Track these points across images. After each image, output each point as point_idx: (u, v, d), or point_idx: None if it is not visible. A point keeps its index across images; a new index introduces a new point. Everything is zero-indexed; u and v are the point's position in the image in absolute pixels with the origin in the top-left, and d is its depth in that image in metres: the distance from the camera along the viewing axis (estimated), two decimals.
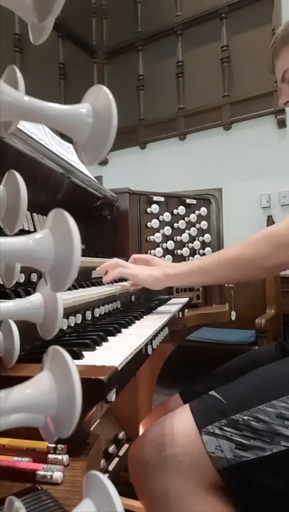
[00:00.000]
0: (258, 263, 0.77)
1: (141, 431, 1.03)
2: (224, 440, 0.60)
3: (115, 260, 0.93)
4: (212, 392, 0.67)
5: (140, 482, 0.68)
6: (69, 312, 0.61)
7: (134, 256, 1.04)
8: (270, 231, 0.77)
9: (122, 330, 0.63)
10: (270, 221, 2.93)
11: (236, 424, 0.60)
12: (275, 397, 0.61)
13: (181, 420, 0.64)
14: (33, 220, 0.88)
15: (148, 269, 0.92)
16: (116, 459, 1.17)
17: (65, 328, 0.59)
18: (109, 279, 0.89)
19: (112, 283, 0.93)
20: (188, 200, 1.37)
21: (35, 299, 0.34)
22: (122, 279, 0.99)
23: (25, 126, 0.82)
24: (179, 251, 1.34)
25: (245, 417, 0.60)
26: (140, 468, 0.67)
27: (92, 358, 0.45)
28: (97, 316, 0.72)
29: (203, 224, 1.40)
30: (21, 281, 0.62)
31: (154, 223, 1.29)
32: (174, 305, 1.03)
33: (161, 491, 0.62)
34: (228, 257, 0.81)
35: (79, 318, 0.63)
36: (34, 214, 0.90)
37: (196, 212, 1.39)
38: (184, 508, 0.60)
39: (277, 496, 0.59)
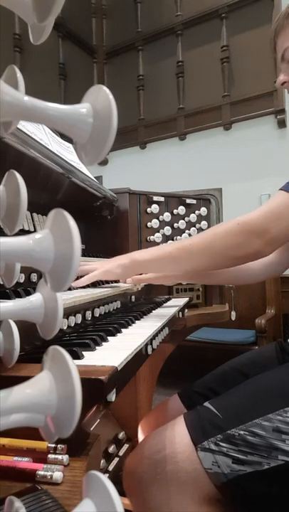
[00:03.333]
0: (229, 252, 0.74)
1: (140, 431, 1.03)
2: (220, 456, 0.59)
3: (82, 268, 0.84)
4: (207, 404, 0.66)
5: (135, 497, 0.67)
6: (69, 312, 0.61)
7: None
8: (244, 219, 0.74)
9: (122, 330, 0.63)
10: None
11: (232, 439, 0.59)
12: (271, 410, 0.60)
13: (177, 435, 0.63)
14: (33, 220, 0.88)
15: (115, 259, 0.86)
16: (116, 459, 1.17)
17: (65, 328, 0.59)
18: (78, 286, 0.81)
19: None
20: (188, 200, 1.37)
21: (35, 299, 0.34)
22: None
23: (25, 126, 0.82)
24: None
25: (241, 432, 0.59)
26: (135, 484, 0.66)
27: (92, 358, 0.45)
28: (97, 316, 0.72)
29: (203, 224, 1.40)
30: (21, 281, 0.62)
31: (154, 223, 1.29)
32: (174, 305, 1.03)
33: (157, 505, 0.61)
34: (200, 244, 0.77)
35: (79, 318, 0.63)
36: (34, 214, 0.90)
37: (196, 212, 1.39)
38: None
39: (275, 506, 0.58)
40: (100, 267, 0.84)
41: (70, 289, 0.77)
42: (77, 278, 0.80)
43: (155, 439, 0.65)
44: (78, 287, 0.81)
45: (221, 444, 0.59)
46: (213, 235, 0.77)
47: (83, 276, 0.82)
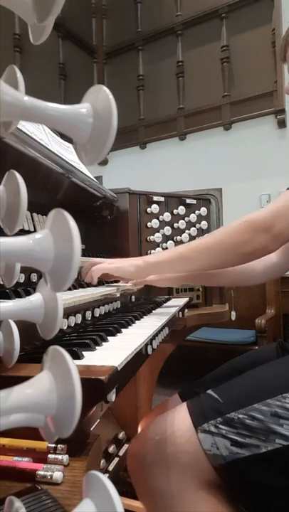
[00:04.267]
0: (237, 249, 0.78)
1: (140, 431, 1.03)
2: (219, 438, 0.60)
3: (93, 260, 0.91)
4: (209, 391, 0.68)
5: (138, 478, 0.69)
6: (69, 312, 0.61)
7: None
8: (251, 216, 0.78)
9: (122, 330, 0.63)
10: None
11: (231, 422, 0.61)
12: (270, 396, 0.61)
13: (178, 418, 0.65)
14: (33, 220, 0.88)
15: (128, 259, 0.91)
16: (116, 459, 1.17)
17: (65, 328, 0.59)
18: (93, 279, 0.87)
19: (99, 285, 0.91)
20: (188, 200, 1.37)
21: (35, 299, 0.34)
22: (116, 280, 0.98)
23: (25, 126, 0.82)
24: None
25: (241, 415, 0.61)
26: (138, 465, 0.68)
27: (92, 358, 0.45)
28: (97, 316, 0.72)
29: (203, 224, 1.40)
30: (21, 281, 0.62)
31: (154, 223, 1.28)
32: (174, 305, 1.03)
33: (158, 487, 0.63)
34: (209, 243, 0.81)
35: (79, 318, 0.63)
36: (34, 214, 0.90)
37: (196, 212, 1.39)
38: (179, 504, 0.61)
39: (271, 491, 0.59)
40: (111, 262, 0.89)
41: (70, 288, 0.77)
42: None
43: (158, 423, 0.68)
44: (89, 281, 0.86)
45: (221, 426, 0.61)
46: (222, 234, 0.80)
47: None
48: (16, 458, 0.37)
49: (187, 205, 1.36)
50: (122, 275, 0.90)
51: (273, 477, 0.59)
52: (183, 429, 0.63)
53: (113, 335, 0.59)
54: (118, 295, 0.90)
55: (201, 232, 1.41)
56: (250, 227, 0.76)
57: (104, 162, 3.66)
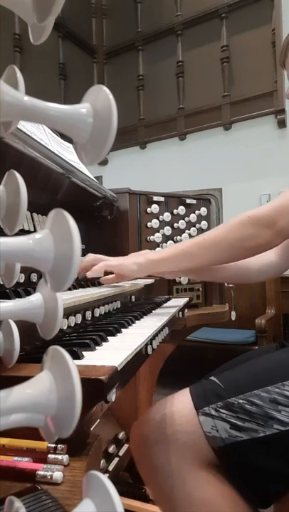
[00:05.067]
0: (242, 244, 0.79)
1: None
2: (219, 421, 0.62)
3: (94, 256, 0.90)
4: (212, 377, 0.70)
5: (140, 457, 0.72)
6: (69, 312, 0.61)
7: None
8: (254, 212, 0.79)
9: (122, 330, 0.63)
10: None
11: (231, 406, 0.63)
12: (270, 383, 0.63)
13: (180, 401, 0.67)
14: (33, 220, 0.88)
15: (130, 257, 0.91)
16: (116, 459, 1.17)
17: (65, 328, 0.59)
18: (94, 275, 0.87)
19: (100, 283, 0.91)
20: (188, 200, 1.37)
21: (35, 299, 0.34)
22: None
23: (25, 126, 0.82)
24: None
25: (240, 401, 0.63)
26: (140, 444, 0.71)
27: (92, 358, 0.45)
28: (97, 316, 0.72)
29: (203, 224, 1.40)
30: (21, 281, 0.62)
31: (154, 223, 1.28)
32: (174, 305, 1.03)
33: (159, 465, 0.65)
34: (213, 238, 0.82)
35: (79, 318, 0.63)
36: (34, 214, 0.90)
37: (196, 212, 1.39)
38: (179, 481, 0.63)
39: (269, 474, 0.61)
40: (113, 259, 0.89)
41: (70, 288, 0.77)
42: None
43: (160, 405, 0.70)
44: (92, 276, 0.86)
45: (221, 410, 0.63)
46: (225, 229, 0.81)
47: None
48: (16, 458, 0.37)
49: (187, 205, 1.36)
50: (124, 273, 0.89)
51: (270, 461, 0.61)
52: (184, 411, 0.65)
53: (113, 335, 0.59)
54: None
55: (201, 232, 1.41)
56: (253, 223, 0.78)
57: (104, 162, 3.66)
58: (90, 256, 0.90)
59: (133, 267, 0.87)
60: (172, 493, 0.64)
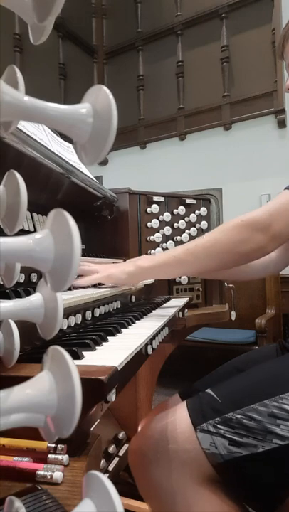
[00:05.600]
0: (235, 248, 0.76)
1: (140, 428, 1.03)
2: (218, 437, 0.61)
3: (83, 267, 0.84)
4: (208, 390, 0.68)
5: (139, 474, 0.71)
6: (69, 312, 0.61)
7: None
8: (248, 216, 0.76)
9: (122, 330, 0.63)
10: None
11: (229, 422, 0.62)
12: (268, 397, 0.62)
13: (178, 417, 0.66)
14: (33, 220, 0.88)
15: (119, 265, 0.87)
16: (116, 459, 1.17)
17: (65, 328, 0.59)
18: (82, 286, 0.80)
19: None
20: (188, 200, 1.37)
21: (35, 299, 0.34)
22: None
23: (25, 126, 0.82)
24: None
25: (238, 416, 0.62)
26: (139, 462, 0.70)
27: (92, 358, 0.45)
28: (97, 316, 0.72)
29: (203, 224, 1.40)
30: (21, 281, 0.62)
31: (154, 223, 1.28)
32: (174, 305, 1.03)
33: (158, 482, 0.65)
34: (205, 244, 0.79)
35: (79, 318, 0.63)
36: (34, 214, 0.90)
37: (196, 212, 1.39)
38: (181, 499, 0.62)
39: (271, 486, 0.61)
40: (102, 270, 0.84)
41: (70, 288, 0.77)
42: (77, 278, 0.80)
43: (158, 421, 0.69)
44: (80, 287, 0.80)
45: (219, 426, 0.62)
46: (218, 233, 0.78)
47: (83, 276, 0.82)
48: (16, 458, 0.37)
49: (187, 205, 1.36)
50: (113, 283, 0.86)
51: (271, 474, 0.60)
52: (182, 427, 0.64)
53: (113, 335, 0.59)
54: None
55: (201, 232, 1.41)
56: (247, 227, 0.75)
57: (104, 162, 3.66)
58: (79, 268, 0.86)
59: (121, 276, 0.84)
60: (172, 510, 0.63)
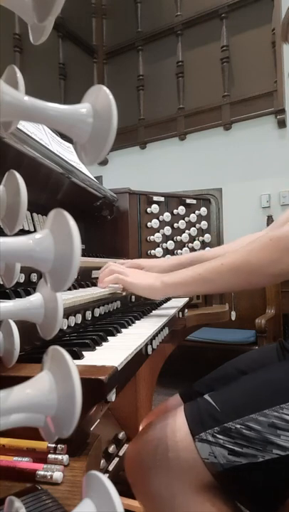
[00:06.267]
0: (265, 270, 0.71)
1: (137, 435, 1.03)
2: (217, 447, 0.60)
3: (112, 267, 0.87)
4: (206, 397, 0.67)
5: (136, 482, 0.70)
6: (69, 312, 0.61)
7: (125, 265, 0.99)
8: (277, 235, 0.70)
9: (122, 330, 0.63)
10: (270, 221, 2.93)
11: (229, 432, 0.61)
12: (268, 406, 0.61)
13: (176, 425, 0.65)
14: (33, 220, 0.88)
15: (146, 278, 0.86)
16: (116, 459, 1.17)
17: (65, 328, 0.59)
18: (104, 286, 0.84)
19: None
20: (188, 200, 1.37)
21: (35, 299, 0.34)
22: None
23: (25, 126, 0.82)
24: (179, 251, 1.34)
25: (238, 426, 0.61)
26: (136, 470, 0.69)
27: (92, 358, 0.45)
28: (97, 316, 0.72)
29: (203, 224, 1.40)
30: (21, 281, 0.62)
31: (154, 223, 1.29)
32: (174, 305, 1.03)
33: (155, 491, 0.64)
34: (232, 264, 0.74)
35: (79, 318, 0.63)
36: (34, 214, 0.90)
37: (196, 212, 1.39)
38: (177, 506, 0.62)
39: (269, 492, 0.60)
40: (130, 274, 0.85)
41: (70, 288, 0.77)
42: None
43: (156, 428, 0.68)
44: (103, 287, 0.83)
45: (218, 436, 0.61)
46: (246, 253, 0.73)
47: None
48: (16, 458, 0.37)
49: (187, 205, 1.36)
50: (134, 292, 0.86)
51: (271, 483, 0.59)
52: (180, 436, 0.63)
53: (113, 335, 0.59)
54: (124, 293, 0.88)
55: (201, 232, 1.41)
56: (277, 247, 0.69)
57: (104, 162, 3.66)
58: (109, 267, 0.87)
59: (145, 290, 0.84)
60: None
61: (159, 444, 0.64)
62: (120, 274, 0.85)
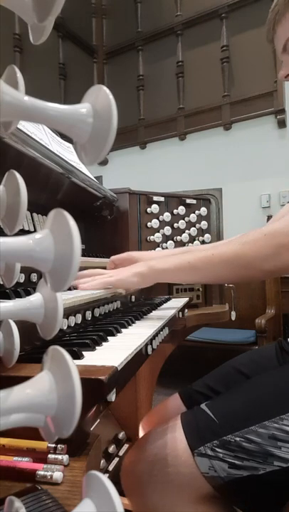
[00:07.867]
0: (257, 265, 0.69)
1: (140, 431, 1.03)
2: (217, 461, 0.59)
3: (91, 271, 0.84)
4: (204, 407, 0.66)
5: (134, 496, 0.68)
6: (69, 312, 0.61)
7: (113, 258, 0.96)
8: (272, 230, 0.69)
9: (122, 330, 0.63)
10: None
11: (228, 445, 0.60)
12: (267, 418, 0.60)
13: (174, 438, 0.63)
14: (33, 220, 0.88)
15: (131, 267, 0.82)
16: (116, 459, 1.17)
17: (65, 328, 0.59)
18: (89, 288, 0.77)
19: None
20: (188, 200, 1.37)
21: (35, 299, 0.34)
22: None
23: (25, 126, 0.82)
24: None
25: (237, 438, 0.59)
26: (133, 483, 0.67)
27: (92, 358, 0.45)
28: (97, 316, 0.72)
29: (203, 224, 1.40)
30: (21, 281, 0.62)
31: (154, 223, 1.29)
32: (174, 305, 1.03)
33: (154, 506, 0.63)
34: (224, 255, 0.73)
35: (79, 318, 0.63)
36: (34, 214, 0.90)
37: (196, 212, 1.39)
38: None
39: (271, 501, 0.59)
40: (115, 274, 0.81)
41: (70, 288, 0.77)
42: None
43: (153, 441, 0.66)
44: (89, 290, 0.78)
45: (217, 449, 0.59)
46: (239, 246, 0.72)
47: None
48: (16, 458, 0.37)
49: (187, 205, 1.36)
50: (125, 287, 0.83)
51: (272, 494, 0.59)
52: (178, 450, 0.62)
53: (113, 335, 0.59)
54: (124, 293, 0.87)
55: (201, 232, 1.41)
56: (271, 242, 0.68)
57: (104, 162, 3.66)
58: (87, 272, 0.84)
59: (133, 280, 0.80)
60: None
61: (156, 459, 0.63)
62: (103, 275, 0.81)
